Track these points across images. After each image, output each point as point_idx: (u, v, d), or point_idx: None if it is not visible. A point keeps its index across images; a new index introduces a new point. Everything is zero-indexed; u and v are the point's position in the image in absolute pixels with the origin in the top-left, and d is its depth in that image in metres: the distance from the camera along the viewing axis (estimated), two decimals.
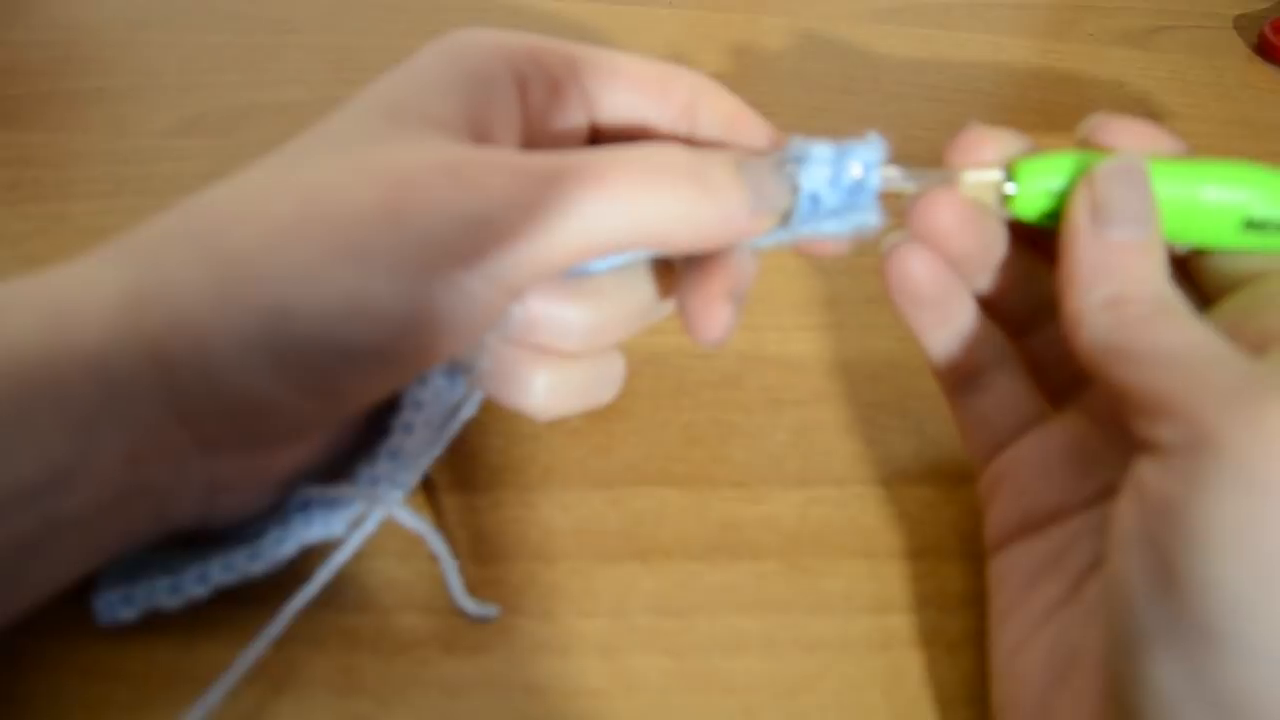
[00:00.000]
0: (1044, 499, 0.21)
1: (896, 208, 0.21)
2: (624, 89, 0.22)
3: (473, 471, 0.25)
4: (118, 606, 0.19)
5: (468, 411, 0.22)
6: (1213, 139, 0.43)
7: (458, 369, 0.22)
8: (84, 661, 0.20)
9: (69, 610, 0.21)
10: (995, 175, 0.20)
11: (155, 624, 0.20)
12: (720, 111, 0.22)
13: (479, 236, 0.17)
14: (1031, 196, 0.20)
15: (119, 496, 0.17)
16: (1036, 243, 0.22)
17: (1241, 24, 0.52)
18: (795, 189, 0.20)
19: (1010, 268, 0.22)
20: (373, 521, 0.21)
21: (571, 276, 0.21)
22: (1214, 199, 0.19)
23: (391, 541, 0.23)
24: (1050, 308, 0.21)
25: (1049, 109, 0.43)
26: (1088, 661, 0.18)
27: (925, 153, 0.38)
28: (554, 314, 0.20)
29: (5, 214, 0.30)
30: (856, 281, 0.32)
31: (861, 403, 0.28)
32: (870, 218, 0.21)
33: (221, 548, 0.20)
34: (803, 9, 0.49)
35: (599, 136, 0.23)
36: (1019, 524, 0.22)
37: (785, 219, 0.20)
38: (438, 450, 0.22)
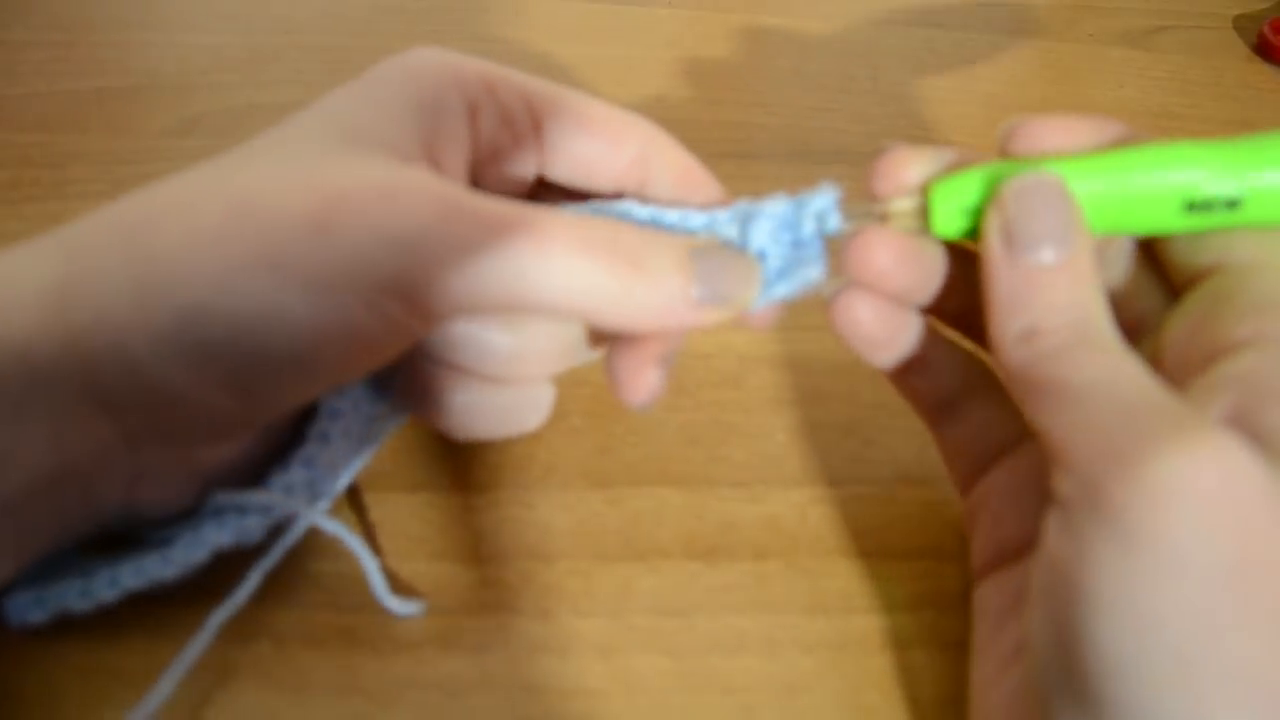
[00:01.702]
0: (1018, 529, 0.20)
1: (834, 248, 0.20)
2: (578, 131, 0.22)
3: (472, 471, 0.25)
4: (29, 608, 0.19)
5: (392, 426, 0.23)
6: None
7: (380, 383, 0.22)
8: (84, 661, 0.20)
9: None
10: (911, 201, 0.19)
11: (157, 625, 0.20)
12: (672, 166, 0.22)
13: (402, 261, 0.17)
14: (948, 219, 0.19)
15: (48, 482, 0.17)
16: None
17: (1241, 24, 0.52)
18: (758, 267, 0.19)
19: (967, 282, 0.20)
20: (296, 531, 0.21)
21: None
22: (1148, 186, 0.18)
23: (391, 542, 0.23)
24: None
25: (1049, 109, 0.43)
26: (1037, 712, 0.17)
27: None
28: (476, 336, 0.20)
29: (4, 214, 0.30)
30: None
31: (861, 403, 0.28)
32: (815, 271, 0.20)
33: (135, 552, 0.20)
34: (803, 9, 0.49)
35: (546, 178, 0.23)
36: (996, 554, 0.21)
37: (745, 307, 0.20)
38: (361, 461, 0.22)
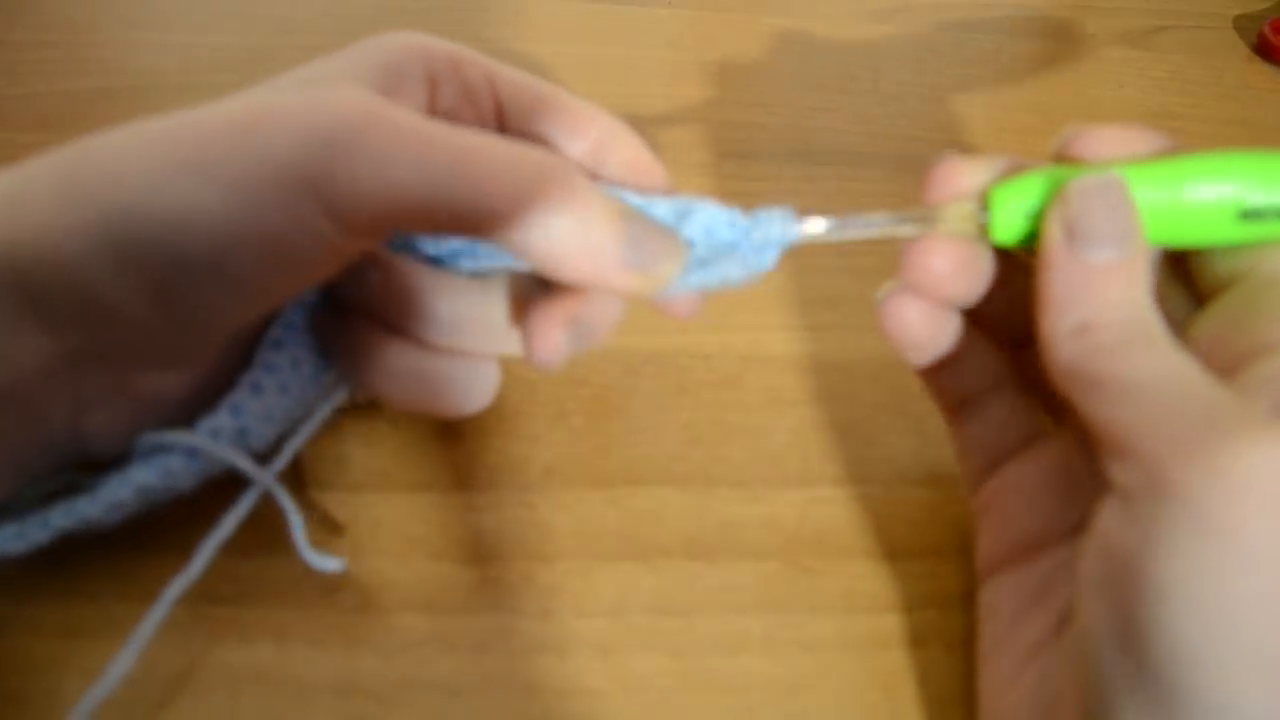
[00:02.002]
0: (1030, 526, 0.21)
1: (892, 250, 0.21)
2: (538, 115, 0.22)
3: (473, 471, 0.25)
4: None
5: (338, 396, 0.22)
6: (1213, 139, 0.43)
7: (325, 349, 0.22)
8: (84, 661, 0.20)
9: (69, 610, 0.21)
10: (969, 206, 0.20)
11: (157, 625, 0.20)
12: (627, 158, 0.22)
13: (316, 158, 0.17)
14: (1008, 222, 0.19)
15: None
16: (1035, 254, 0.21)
17: (1241, 24, 0.52)
18: (686, 249, 0.20)
19: (1004, 285, 0.21)
20: (250, 497, 0.21)
21: (433, 265, 0.21)
22: (1204, 196, 0.18)
23: (391, 542, 0.23)
24: None
25: (1049, 109, 0.43)
26: (1067, 708, 0.17)
27: (925, 153, 0.38)
28: (416, 297, 0.20)
29: None
30: (856, 281, 0.32)
31: (861, 403, 0.28)
32: (737, 270, 0.20)
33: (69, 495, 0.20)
34: (803, 9, 0.49)
35: None
36: (1007, 552, 0.21)
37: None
38: (308, 428, 0.22)
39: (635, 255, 0.18)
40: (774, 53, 0.45)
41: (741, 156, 0.38)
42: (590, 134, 0.22)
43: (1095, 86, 0.46)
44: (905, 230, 0.20)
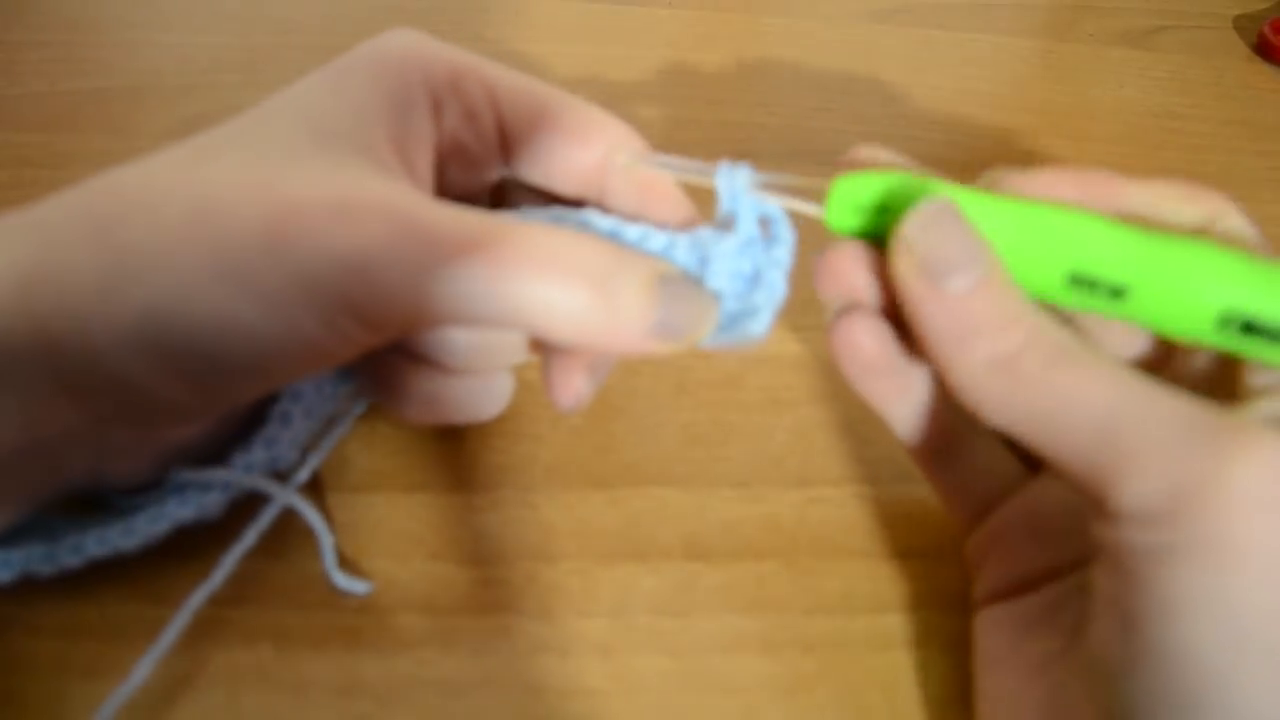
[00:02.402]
0: (1037, 561, 0.20)
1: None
2: (542, 131, 0.21)
3: (473, 471, 0.25)
4: None
5: (357, 409, 0.23)
6: (1213, 139, 0.43)
7: (343, 367, 0.22)
8: (84, 662, 0.20)
9: (69, 610, 0.21)
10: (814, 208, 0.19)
11: (158, 625, 0.20)
12: (637, 174, 0.21)
13: (352, 281, 0.17)
14: (841, 213, 0.19)
15: (16, 457, 0.17)
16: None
17: (1241, 24, 0.52)
18: (716, 306, 0.19)
19: None
20: (269, 513, 0.21)
21: None
22: (1030, 245, 0.17)
23: (391, 542, 0.23)
24: None
25: (1049, 109, 0.43)
26: (1083, 711, 0.17)
27: (925, 152, 0.38)
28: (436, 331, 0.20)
29: (4, 214, 0.30)
30: None
31: (861, 403, 0.28)
32: (758, 327, 0.20)
33: (101, 521, 0.20)
34: (803, 9, 0.49)
35: (510, 175, 0.23)
36: (1012, 586, 0.21)
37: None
38: (328, 444, 0.22)
39: (667, 324, 0.18)
40: (774, 53, 0.45)
41: (741, 156, 0.38)
42: (597, 146, 0.21)
43: (1095, 86, 0.46)
44: (789, 202, 0.20)
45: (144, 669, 0.19)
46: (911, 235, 0.17)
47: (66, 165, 0.32)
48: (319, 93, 0.19)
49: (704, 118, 0.40)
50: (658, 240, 0.20)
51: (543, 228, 0.18)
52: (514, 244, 0.17)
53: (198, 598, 0.20)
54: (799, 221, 0.20)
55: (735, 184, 0.20)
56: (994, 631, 0.21)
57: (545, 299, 0.17)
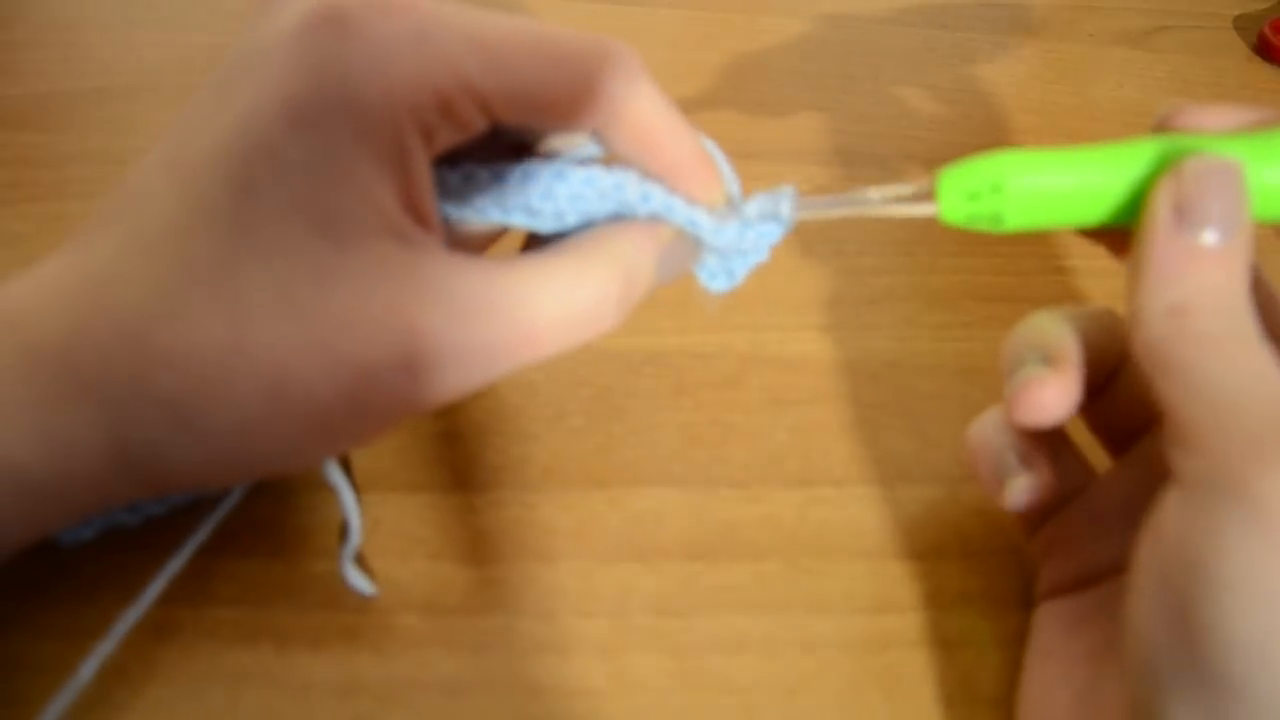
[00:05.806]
0: (1100, 557, 0.21)
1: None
2: (542, 118, 0.20)
3: (473, 471, 0.25)
4: (79, 529, 0.21)
5: None
6: None
7: None
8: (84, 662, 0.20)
9: (69, 610, 0.21)
10: (930, 209, 0.20)
11: (158, 625, 0.20)
12: (640, 125, 0.23)
13: (426, 405, 0.18)
14: (952, 206, 0.20)
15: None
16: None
17: (1241, 24, 0.52)
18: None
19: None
20: (339, 486, 0.22)
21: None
22: None
23: (392, 542, 0.23)
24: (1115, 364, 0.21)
25: (1049, 109, 0.43)
26: (1113, 703, 0.18)
27: (925, 152, 0.38)
28: None
29: (4, 214, 0.30)
30: (856, 281, 0.32)
31: (861, 403, 0.28)
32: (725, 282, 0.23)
33: None
34: (803, 9, 0.49)
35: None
36: (1074, 581, 0.21)
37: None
38: None
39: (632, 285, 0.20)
40: (774, 53, 0.45)
41: (741, 156, 0.38)
42: (598, 116, 0.21)
43: (1095, 86, 0.46)
44: (899, 209, 0.21)
45: (113, 640, 0.19)
46: (1189, 178, 0.18)
47: (65, 165, 0.32)
48: (294, 160, 0.17)
49: (704, 118, 0.40)
50: (658, 198, 0.21)
51: (552, 280, 0.19)
52: (547, 332, 0.19)
53: (173, 567, 0.20)
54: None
55: (781, 207, 0.23)
56: (1050, 624, 0.21)
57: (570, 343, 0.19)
